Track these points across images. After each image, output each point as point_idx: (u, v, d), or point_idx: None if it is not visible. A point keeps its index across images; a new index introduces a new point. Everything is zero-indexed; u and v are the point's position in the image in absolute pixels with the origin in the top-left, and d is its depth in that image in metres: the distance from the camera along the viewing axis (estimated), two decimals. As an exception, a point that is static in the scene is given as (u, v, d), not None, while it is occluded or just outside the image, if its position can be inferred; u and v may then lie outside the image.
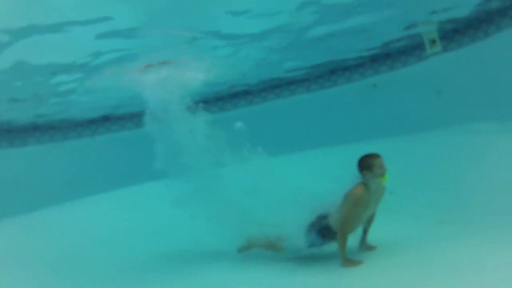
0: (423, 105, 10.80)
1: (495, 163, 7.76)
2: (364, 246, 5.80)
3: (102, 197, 11.20)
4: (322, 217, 5.67)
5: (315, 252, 5.94)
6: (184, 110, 7.40)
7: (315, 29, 9.12)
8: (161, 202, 7.50)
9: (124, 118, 13.27)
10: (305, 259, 6.06)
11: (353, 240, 5.67)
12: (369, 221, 5.76)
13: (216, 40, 8.52)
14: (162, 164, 7.01)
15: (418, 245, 5.86)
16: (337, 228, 5.44)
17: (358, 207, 5.27)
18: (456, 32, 10.42)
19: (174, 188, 7.07)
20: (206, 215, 6.95)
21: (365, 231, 5.82)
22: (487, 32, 9.56)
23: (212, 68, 9.42)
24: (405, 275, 4.82)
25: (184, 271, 6.64)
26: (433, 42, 9.74)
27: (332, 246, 5.71)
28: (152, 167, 7.06)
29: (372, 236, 6.32)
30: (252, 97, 13.59)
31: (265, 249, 6.39)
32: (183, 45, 8.26)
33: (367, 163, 5.27)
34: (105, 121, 13.40)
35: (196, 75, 8.73)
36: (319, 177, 8.70)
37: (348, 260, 5.36)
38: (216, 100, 12.31)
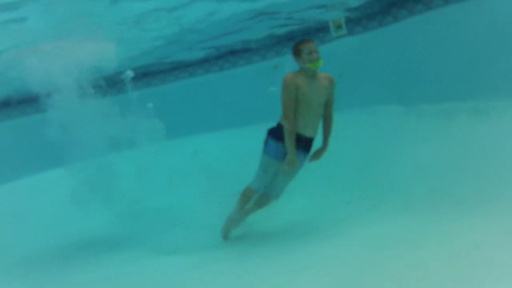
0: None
1: (399, 143, 7.94)
2: (321, 151, 5.87)
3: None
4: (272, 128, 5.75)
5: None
6: (83, 93, 7.18)
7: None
8: (59, 190, 7.17)
9: (24, 102, 12.27)
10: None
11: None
12: (327, 123, 5.80)
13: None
14: (61, 151, 6.77)
15: (328, 225, 6.05)
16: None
17: (291, 90, 5.38)
18: (363, 16, 10.47)
19: (73, 176, 6.89)
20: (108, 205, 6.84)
21: (324, 139, 5.85)
22: (396, 17, 9.67)
23: (110, 49, 8.92)
24: (317, 255, 4.86)
25: (86, 261, 6.46)
26: (338, 25, 9.77)
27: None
28: (52, 154, 6.94)
29: (280, 216, 6.31)
30: (150, 79, 13.08)
31: (249, 215, 6.22)
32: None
33: (296, 49, 5.49)
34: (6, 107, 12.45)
35: (95, 55, 8.23)
36: (222, 158, 8.63)
37: (294, 160, 5.47)
38: (114, 83, 11.67)
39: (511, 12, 7.46)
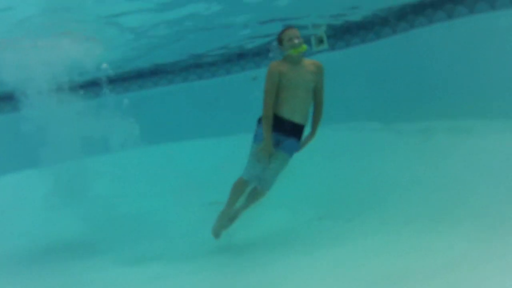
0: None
1: (377, 159, 7.99)
2: (308, 138, 5.84)
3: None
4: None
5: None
6: (66, 94, 7.06)
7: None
8: (31, 192, 6.96)
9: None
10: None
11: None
12: (316, 110, 5.82)
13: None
14: (36, 152, 6.68)
15: (303, 238, 5.96)
16: (275, 111, 5.50)
17: (274, 77, 5.38)
18: (346, 32, 10.55)
19: (47, 178, 6.77)
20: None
21: (313, 126, 5.84)
22: (379, 34, 9.76)
23: (88, 49, 8.80)
24: (291, 268, 4.77)
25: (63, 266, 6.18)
26: (320, 40, 9.80)
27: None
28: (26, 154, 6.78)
29: (256, 229, 6.25)
30: (129, 85, 13.02)
31: (242, 212, 6.06)
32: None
33: (279, 38, 5.52)
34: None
35: (79, 55, 8.12)
36: (200, 167, 8.56)
37: (268, 146, 5.42)
38: (92, 86, 11.60)
39: (490, 34, 7.58)
